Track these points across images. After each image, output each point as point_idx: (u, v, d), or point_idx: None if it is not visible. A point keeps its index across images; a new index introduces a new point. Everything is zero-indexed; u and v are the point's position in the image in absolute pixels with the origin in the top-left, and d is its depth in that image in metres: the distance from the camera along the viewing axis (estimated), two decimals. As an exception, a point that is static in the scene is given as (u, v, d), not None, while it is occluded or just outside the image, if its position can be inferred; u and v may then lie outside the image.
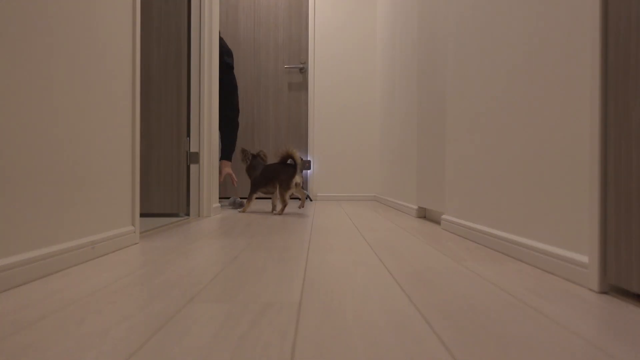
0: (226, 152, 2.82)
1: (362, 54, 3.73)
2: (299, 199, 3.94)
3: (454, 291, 0.79)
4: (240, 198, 3.37)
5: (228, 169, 2.81)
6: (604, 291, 0.79)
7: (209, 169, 2.23)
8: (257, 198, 3.78)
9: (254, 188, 2.44)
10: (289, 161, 2.31)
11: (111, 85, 1.18)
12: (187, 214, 2.21)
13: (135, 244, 1.31)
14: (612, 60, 0.76)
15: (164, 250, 1.21)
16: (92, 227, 1.09)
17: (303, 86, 3.76)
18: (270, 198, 2.87)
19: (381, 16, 3.45)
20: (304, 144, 3.76)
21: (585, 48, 0.85)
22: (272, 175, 2.33)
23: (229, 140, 2.83)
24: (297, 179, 2.26)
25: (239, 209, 2.61)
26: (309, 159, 3.69)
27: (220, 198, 3.48)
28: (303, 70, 3.74)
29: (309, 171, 3.70)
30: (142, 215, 2.17)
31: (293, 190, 2.29)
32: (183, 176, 2.15)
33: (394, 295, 0.76)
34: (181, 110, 2.13)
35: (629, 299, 0.75)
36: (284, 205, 2.29)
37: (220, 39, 2.68)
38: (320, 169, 3.70)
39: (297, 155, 2.26)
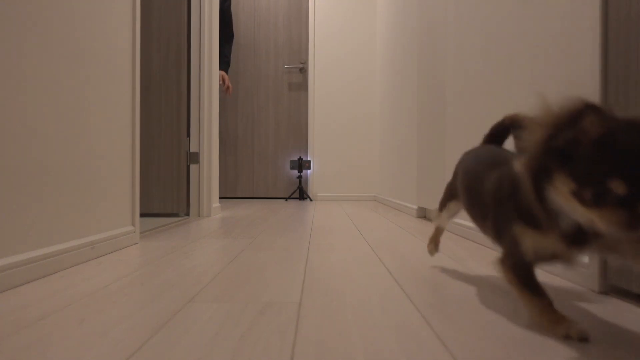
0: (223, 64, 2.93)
1: (363, 54, 3.72)
2: (302, 198, 3.74)
3: (454, 291, 0.79)
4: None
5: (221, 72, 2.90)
6: (604, 291, 0.79)
7: (208, 169, 2.23)
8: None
9: None
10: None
11: (111, 85, 1.18)
12: (187, 214, 2.21)
13: (135, 244, 1.31)
14: (612, 61, 0.76)
15: (164, 250, 1.21)
16: (92, 227, 1.09)
17: (303, 86, 3.76)
18: None
19: (381, 15, 3.45)
20: (304, 144, 3.76)
21: (586, 48, 0.85)
22: None
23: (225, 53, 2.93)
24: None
25: None
26: (309, 159, 3.70)
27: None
28: (303, 70, 3.74)
29: (309, 171, 3.70)
30: (142, 215, 2.17)
31: None
32: (183, 176, 2.15)
33: (394, 296, 0.76)
34: (181, 110, 2.13)
35: (629, 299, 0.75)
36: None
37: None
38: (320, 169, 3.70)
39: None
